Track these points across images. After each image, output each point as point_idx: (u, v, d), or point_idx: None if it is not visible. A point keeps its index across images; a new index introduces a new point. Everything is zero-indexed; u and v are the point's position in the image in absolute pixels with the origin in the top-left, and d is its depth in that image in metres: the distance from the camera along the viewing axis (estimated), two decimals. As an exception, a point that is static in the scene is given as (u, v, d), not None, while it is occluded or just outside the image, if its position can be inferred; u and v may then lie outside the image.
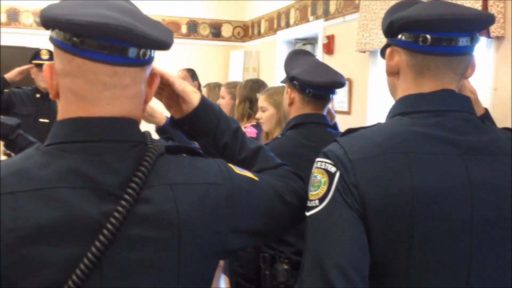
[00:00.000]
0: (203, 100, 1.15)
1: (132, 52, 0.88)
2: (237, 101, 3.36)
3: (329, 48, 4.41)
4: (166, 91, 1.14)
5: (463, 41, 1.08)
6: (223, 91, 3.70)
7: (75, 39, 0.85)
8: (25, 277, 0.82)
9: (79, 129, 0.90)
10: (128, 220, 0.86)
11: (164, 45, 0.92)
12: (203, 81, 4.52)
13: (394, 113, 1.15)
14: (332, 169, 1.06)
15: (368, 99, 3.85)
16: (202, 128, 1.16)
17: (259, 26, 6.22)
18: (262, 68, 6.07)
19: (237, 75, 6.07)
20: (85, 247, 0.83)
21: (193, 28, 6.52)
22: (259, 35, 6.21)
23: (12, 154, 2.05)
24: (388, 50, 1.17)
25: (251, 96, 3.24)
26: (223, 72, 6.52)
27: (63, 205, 0.84)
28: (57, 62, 0.90)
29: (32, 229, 0.82)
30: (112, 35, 0.85)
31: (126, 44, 0.87)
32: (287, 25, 5.36)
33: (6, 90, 3.93)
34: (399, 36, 1.12)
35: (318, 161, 1.10)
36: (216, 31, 6.62)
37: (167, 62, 6.10)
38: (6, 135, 2.00)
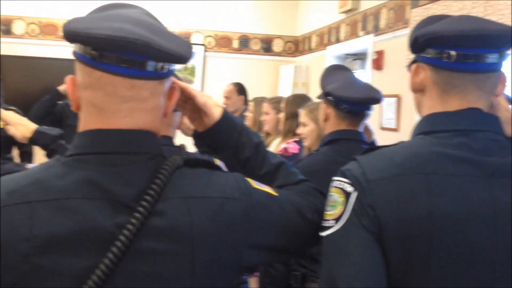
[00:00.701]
0: (225, 114, 1.16)
1: (150, 65, 0.90)
2: (283, 117, 3.35)
3: (378, 64, 4.34)
4: (189, 104, 1.16)
5: (490, 58, 1.04)
6: (266, 106, 3.71)
7: (94, 52, 0.88)
8: (38, 287, 0.83)
9: (96, 140, 0.92)
10: (141, 232, 0.87)
11: (181, 59, 0.93)
12: (254, 95, 4.55)
13: (418, 131, 1.12)
14: (349, 188, 1.04)
15: (416, 116, 3.75)
16: (223, 141, 1.16)
17: (309, 41, 6.22)
18: (311, 83, 6.05)
19: (287, 90, 6.07)
20: (98, 258, 0.84)
21: (244, 43, 6.59)
22: (310, 50, 6.20)
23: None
24: (413, 66, 1.15)
25: (298, 112, 3.24)
26: (273, 86, 6.54)
27: (78, 216, 0.86)
28: (78, 75, 0.93)
29: (46, 239, 0.83)
30: (130, 48, 0.87)
31: (144, 57, 0.89)
32: (337, 40, 5.33)
33: (60, 102, 4.04)
34: (424, 52, 1.10)
35: (336, 180, 1.08)
36: (267, 46, 6.66)
37: (218, 76, 6.23)
38: (46, 145, 2.07)
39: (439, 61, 1.07)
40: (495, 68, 1.06)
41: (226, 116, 1.16)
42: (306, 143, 2.81)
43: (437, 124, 1.09)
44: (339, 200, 1.04)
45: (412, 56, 1.18)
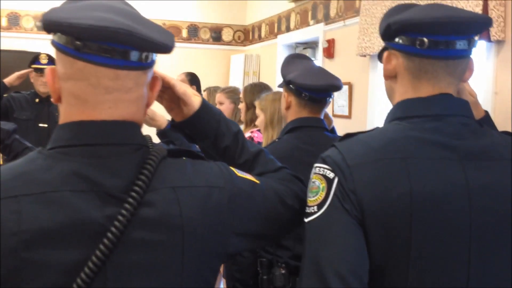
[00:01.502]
0: (204, 103, 1.16)
1: (133, 55, 0.89)
2: (243, 106, 3.36)
3: (329, 52, 4.42)
4: (167, 94, 1.15)
5: (460, 45, 1.08)
6: (220, 96, 3.69)
7: (77, 42, 0.86)
8: (28, 281, 0.82)
9: (81, 132, 0.90)
10: (131, 223, 0.87)
11: (166, 48, 0.93)
12: (204, 85, 4.53)
13: (392, 117, 1.15)
14: (331, 174, 1.06)
15: (368, 103, 3.86)
16: (202, 131, 1.17)
17: (259, 30, 6.24)
18: (262, 72, 6.09)
19: (238, 79, 6.08)
20: (89, 251, 0.84)
21: (193, 32, 6.54)
22: (260, 39, 6.22)
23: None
24: (385, 54, 1.18)
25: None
26: (224, 76, 6.54)
27: (66, 209, 0.84)
28: (59, 66, 0.91)
29: (36, 233, 0.82)
30: (113, 38, 0.85)
31: (128, 47, 0.88)
32: (288, 29, 5.38)
33: (5, 95, 3.91)
34: (396, 40, 1.13)
35: (316, 167, 1.10)
36: (216, 35, 6.63)
37: (167, 66, 6.15)
38: (1, 140, 2.01)
39: (412, 48, 1.10)
40: (464, 54, 1.11)
41: (205, 105, 1.16)
42: (262, 133, 2.84)
43: (411, 110, 1.12)
44: (321, 186, 1.06)
45: (382, 44, 1.21)
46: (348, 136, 1.14)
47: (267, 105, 2.61)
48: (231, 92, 3.71)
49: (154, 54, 0.94)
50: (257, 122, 2.78)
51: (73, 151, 0.89)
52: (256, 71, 6.12)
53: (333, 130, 2.39)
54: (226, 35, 6.68)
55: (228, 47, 6.66)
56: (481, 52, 2.72)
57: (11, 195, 0.83)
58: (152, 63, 0.95)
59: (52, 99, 0.95)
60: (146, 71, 0.94)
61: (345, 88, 4.06)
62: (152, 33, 0.90)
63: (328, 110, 2.77)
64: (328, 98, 2.14)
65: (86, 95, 0.90)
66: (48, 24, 0.87)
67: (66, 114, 0.92)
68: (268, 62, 5.93)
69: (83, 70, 0.88)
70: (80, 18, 0.85)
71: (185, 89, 1.14)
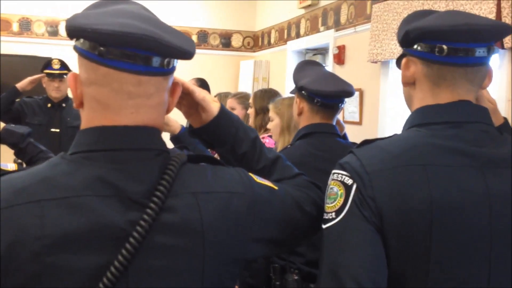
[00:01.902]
0: (222, 109, 1.16)
1: (155, 61, 0.90)
2: (253, 112, 3.36)
3: (340, 59, 4.42)
4: (186, 100, 1.15)
5: (479, 52, 1.08)
6: (231, 102, 3.70)
7: (100, 48, 0.86)
8: (50, 286, 0.82)
9: (103, 137, 0.91)
10: (153, 228, 0.87)
11: (187, 54, 0.93)
12: (214, 90, 4.55)
13: (411, 124, 1.15)
14: (349, 181, 1.06)
15: (379, 109, 3.85)
16: (221, 137, 1.17)
17: (269, 36, 6.25)
18: (272, 78, 6.09)
19: (247, 85, 6.09)
20: (112, 255, 0.84)
21: (203, 38, 6.57)
22: (269, 45, 6.24)
23: (24, 164, 2.07)
24: (404, 60, 1.18)
25: (267, 106, 3.25)
26: (233, 82, 6.55)
27: (89, 213, 0.85)
28: (82, 71, 0.92)
29: (59, 237, 0.82)
30: (137, 44, 0.86)
31: (150, 53, 0.88)
32: (298, 35, 5.39)
33: (17, 100, 3.94)
34: (415, 46, 1.13)
35: (335, 173, 1.10)
36: (226, 41, 6.66)
37: (177, 72, 6.17)
38: (16, 144, 2.02)
39: (431, 55, 1.10)
40: (483, 61, 1.11)
41: (223, 112, 1.16)
42: (273, 138, 2.84)
43: (430, 117, 1.12)
44: (339, 193, 1.06)
45: (396, 51, 1.21)
46: (366, 142, 1.14)
47: (284, 110, 2.61)
48: (243, 98, 3.72)
49: (175, 60, 0.95)
50: (271, 126, 2.76)
51: (95, 156, 0.89)
52: (265, 77, 6.13)
53: (345, 136, 2.39)
54: (236, 41, 6.70)
55: (238, 53, 6.69)
56: (494, 59, 2.71)
57: (35, 200, 0.84)
58: (173, 69, 0.95)
59: (74, 104, 0.96)
60: (167, 77, 0.95)
61: (355, 94, 4.02)
62: (174, 39, 0.90)
63: (339, 116, 2.79)
64: (340, 104, 2.15)
65: (109, 100, 0.90)
66: (72, 30, 0.88)
67: (88, 119, 0.93)
68: (277, 68, 5.94)
69: (106, 75, 0.89)
70: (104, 24, 0.85)
71: (204, 95, 1.14)
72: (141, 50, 0.88)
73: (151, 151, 0.93)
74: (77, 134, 0.94)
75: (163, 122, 1.98)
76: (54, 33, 6.07)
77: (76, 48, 0.91)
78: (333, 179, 1.10)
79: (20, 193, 0.85)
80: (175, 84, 0.99)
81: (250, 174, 1.07)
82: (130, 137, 0.91)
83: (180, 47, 0.90)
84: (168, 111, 1.00)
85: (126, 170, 0.89)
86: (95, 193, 0.86)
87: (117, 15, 0.89)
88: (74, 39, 0.91)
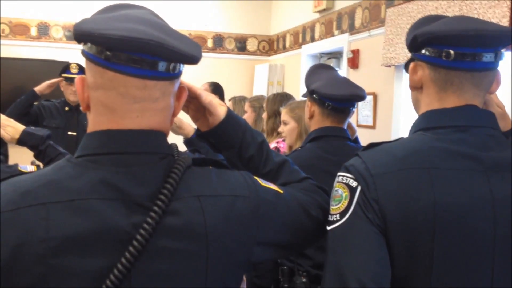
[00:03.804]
0: (229, 113, 1.17)
1: (162, 66, 0.91)
2: (266, 116, 3.37)
3: (354, 63, 4.41)
4: (193, 103, 1.16)
5: (487, 57, 1.08)
6: (246, 105, 3.73)
7: (107, 52, 0.87)
8: (57, 287, 0.83)
9: (109, 141, 0.92)
10: (157, 231, 0.88)
11: (193, 59, 0.94)
12: (228, 94, 4.56)
13: (417, 128, 1.15)
14: (354, 183, 1.07)
15: (393, 113, 3.84)
16: (227, 140, 1.18)
17: (284, 40, 6.26)
18: (286, 82, 6.10)
19: (262, 89, 6.10)
20: (115, 258, 0.85)
21: (218, 42, 6.59)
22: (284, 49, 6.24)
23: (41, 165, 2.09)
24: (411, 65, 1.18)
25: (279, 110, 3.26)
26: (248, 85, 6.56)
27: (94, 216, 0.86)
28: (89, 75, 0.93)
29: (63, 240, 0.83)
30: (144, 49, 0.87)
31: (156, 58, 0.89)
32: (312, 39, 5.39)
33: (35, 103, 3.99)
34: (423, 51, 1.13)
35: (340, 175, 1.11)
36: (241, 45, 6.68)
37: (193, 76, 6.19)
38: (36, 146, 2.04)
39: (438, 60, 1.10)
40: (491, 66, 1.11)
41: (230, 115, 1.17)
42: (287, 142, 2.84)
43: (436, 121, 1.12)
44: (344, 195, 1.07)
45: (410, 55, 1.22)
46: (372, 145, 1.15)
47: (301, 114, 2.61)
48: (254, 101, 3.74)
49: (182, 65, 0.96)
50: (285, 129, 2.77)
51: (101, 159, 0.91)
52: (280, 81, 6.13)
53: (356, 140, 2.38)
54: (251, 45, 6.71)
55: (253, 57, 6.70)
56: (503, 63, 2.68)
57: (40, 203, 0.85)
58: (179, 73, 0.96)
59: (81, 108, 0.97)
60: (173, 81, 0.96)
61: (369, 98, 4.05)
62: (180, 44, 0.91)
63: (353, 120, 2.80)
64: (351, 108, 2.15)
65: (115, 104, 0.91)
66: (80, 34, 0.89)
67: (95, 122, 0.94)
68: (292, 72, 5.95)
69: (113, 79, 0.90)
70: (111, 29, 0.87)
71: (211, 99, 1.15)
72: (147, 55, 0.88)
73: (156, 154, 0.94)
74: (84, 138, 0.95)
75: (177, 126, 2.02)
76: (72, 37, 6.10)
77: (83, 53, 0.93)
78: (338, 181, 1.11)
79: (26, 196, 0.86)
80: (181, 88, 1.00)
81: (256, 177, 1.07)
82: (135, 141, 0.92)
83: (186, 52, 0.91)
84: (174, 115, 1.00)
85: (131, 174, 0.90)
86: (100, 196, 0.87)
87: (124, 20, 0.91)
88: (82, 44, 0.93)
